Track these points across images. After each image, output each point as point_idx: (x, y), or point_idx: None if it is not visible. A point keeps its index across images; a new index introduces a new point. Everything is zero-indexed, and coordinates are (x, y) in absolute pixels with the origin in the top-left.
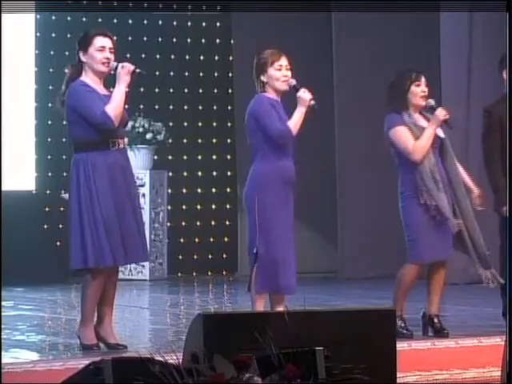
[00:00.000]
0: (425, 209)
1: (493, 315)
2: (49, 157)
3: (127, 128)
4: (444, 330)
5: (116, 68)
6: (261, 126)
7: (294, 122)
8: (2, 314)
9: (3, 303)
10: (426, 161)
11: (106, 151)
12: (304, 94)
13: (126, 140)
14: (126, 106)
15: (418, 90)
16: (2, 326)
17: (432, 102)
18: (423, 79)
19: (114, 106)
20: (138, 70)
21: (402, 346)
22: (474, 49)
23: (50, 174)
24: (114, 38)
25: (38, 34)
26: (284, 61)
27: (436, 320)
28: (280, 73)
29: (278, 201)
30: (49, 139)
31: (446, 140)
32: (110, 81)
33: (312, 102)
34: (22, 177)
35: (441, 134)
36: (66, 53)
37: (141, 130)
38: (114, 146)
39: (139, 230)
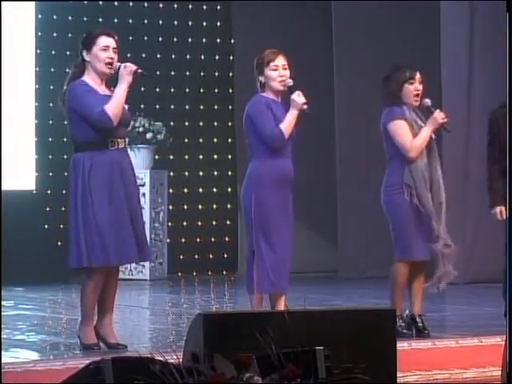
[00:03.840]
0: (410, 205)
1: (493, 315)
2: (50, 156)
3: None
4: (425, 330)
5: (119, 68)
6: (255, 127)
7: (286, 125)
8: (2, 313)
9: (3, 303)
10: (420, 160)
11: (104, 151)
12: (297, 98)
13: (126, 140)
14: (127, 106)
15: (412, 89)
16: (2, 326)
17: (428, 102)
18: (417, 76)
19: (114, 105)
20: (140, 71)
21: (401, 345)
22: (475, 48)
23: (50, 174)
24: (115, 37)
25: (39, 34)
26: (281, 61)
27: (418, 320)
28: (276, 73)
29: (275, 200)
30: (50, 139)
31: (434, 142)
32: (111, 81)
33: (304, 107)
34: (22, 177)
35: (432, 135)
36: (67, 52)
37: (141, 129)
38: (113, 146)
39: (137, 230)
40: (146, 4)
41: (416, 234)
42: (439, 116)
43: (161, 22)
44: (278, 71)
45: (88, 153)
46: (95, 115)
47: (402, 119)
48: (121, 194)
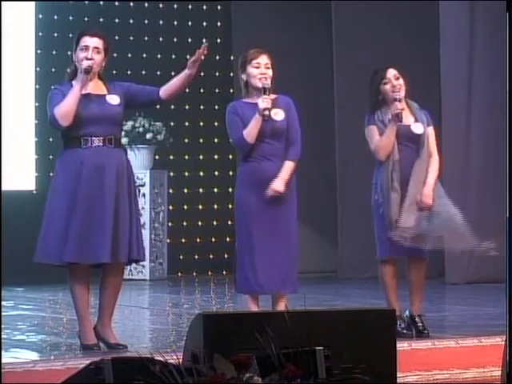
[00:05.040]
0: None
1: (493, 315)
2: (50, 157)
3: (127, 127)
4: (425, 331)
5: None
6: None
7: (247, 131)
8: (2, 313)
9: (3, 303)
10: (389, 158)
11: (75, 149)
12: (260, 102)
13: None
14: (118, 102)
15: (388, 88)
16: (2, 326)
17: (398, 95)
18: (391, 74)
19: (61, 107)
20: (87, 67)
21: (402, 345)
22: (475, 48)
23: (50, 174)
24: (116, 37)
25: (39, 34)
26: (264, 59)
27: (418, 320)
28: (257, 70)
29: (253, 201)
30: (50, 139)
31: (423, 136)
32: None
33: (265, 113)
34: (22, 177)
35: (417, 130)
36: (68, 52)
37: (141, 129)
38: (85, 144)
39: (105, 230)
40: (146, 4)
41: (386, 234)
42: (394, 107)
43: (161, 22)
44: (260, 69)
45: (63, 151)
46: (49, 117)
47: (371, 124)
48: (91, 193)
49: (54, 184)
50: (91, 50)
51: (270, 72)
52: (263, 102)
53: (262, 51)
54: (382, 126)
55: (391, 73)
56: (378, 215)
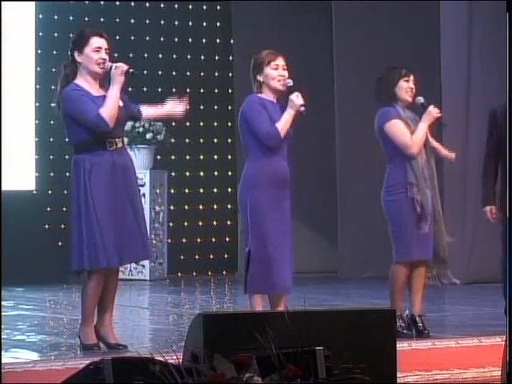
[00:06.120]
0: (412, 204)
1: (493, 315)
2: (50, 157)
3: (127, 128)
4: (425, 331)
5: (110, 68)
6: (250, 126)
7: (282, 124)
8: (3, 313)
9: (3, 303)
10: (420, 157)
11: (103, 152)
12: (296, 98)
13: (125, 139)
14: (122, 104)
15: (406, 86)
16: (2, 326)
17: (421, 99)
18: (412, 77)
19: (109, 108)
20: (131, 70)
21: (402, 345)
22: (475, 47)
23: (51, 175)
24: (117, 37)
25: (40, 34)
26: (281, 61)
27: (418, 320)
28: (276, 72)
29: (269, 200)
30: (50, 139)
31: (429, 139)
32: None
33: (302, 108)
34: (22, 177)
35: (428, 133)
36: (69, 52)
37: (141, 129)
38: (111, 147)
39: (140, 229)
40: (147, 4)
41: (415, 234)
42: (434, 111)
43: (162, 22)
44: (279, 70)
45: (88, 154)
46: (91, 120)
47: (397, 118)
48: (123, 194)
49: (85, 186)
50: (103, 51)
51: (286, 74)
52: (298, 98)
53: (278, 53)
54: (410, 122)
55: (411, 76)
56: (395, 216)
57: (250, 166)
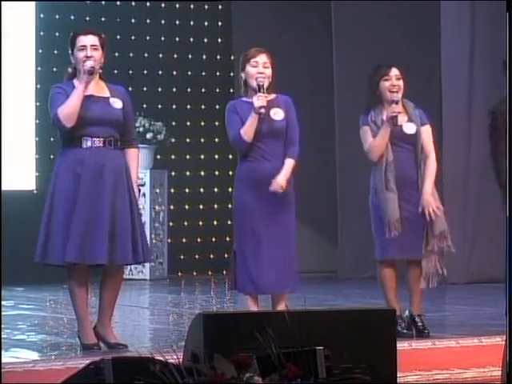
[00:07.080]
0: (378, 206)
1: (493, 315)
2: (51, 156)
3: None
4: (425, 330)
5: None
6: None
7: (245, 129)
8: (3, 313)
9: (3, 303)
10: (383, 159)
11: (76, 149)
12: (256, 101)
13: (111, 139)
14: (120, 105)
15: (387, 85)
16: (2, 326)
17: (396, 97)
18: (394, 73)
19: (65, 107)
20: (91, 68)
21: (402, 345)
22: (475, 48)
23: (51, 174)
24: (117, 37)
25: (41, 33)
26: (263, 58)
27: (418, 320)
28: (255, 69)
29: (253, 201)
30: (51, 139)
31: (417, 135)
32: (113, 79)
33: (261, 111)
34: (23, 177)
35: (408, 130)
36: (69, 52)
37: (141, 129)
38: (86, 144)
39: (117, 230)
40: (148, 4)
41: (386, 235)
42: (389, 111)
43: (163, 21)
44: (258, 68)
45: (62, 151)
46: (52, 117)
47: (365, 125)
48: (91, 193)
49: (53, 183)
50: (89, 48)
51: (268, 71)
52: (258, 100)
53: (261, 50)
54: (374, 127)
55: (394, 72)
56: (375, 216)
57: (239, 166)
